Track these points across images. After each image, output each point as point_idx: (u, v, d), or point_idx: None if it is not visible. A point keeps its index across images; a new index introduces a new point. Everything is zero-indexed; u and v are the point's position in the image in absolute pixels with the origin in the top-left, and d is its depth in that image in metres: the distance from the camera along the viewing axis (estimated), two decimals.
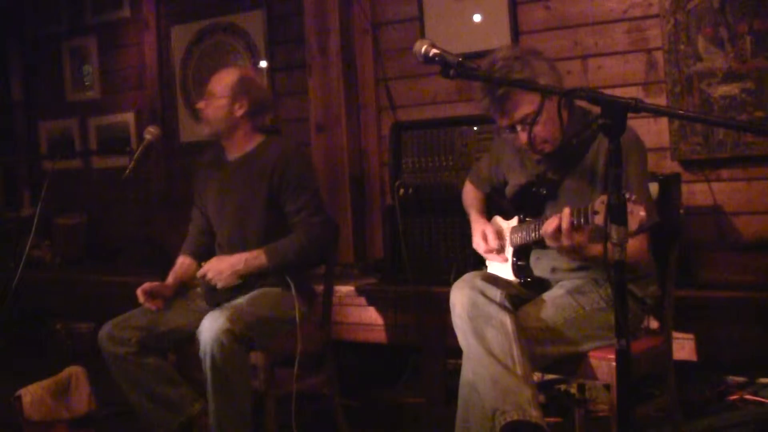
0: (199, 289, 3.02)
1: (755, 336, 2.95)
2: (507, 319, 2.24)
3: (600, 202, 1.97)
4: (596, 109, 1.75)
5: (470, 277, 2.37)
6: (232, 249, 2.97)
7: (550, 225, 2.20)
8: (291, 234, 2.91)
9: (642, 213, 1.87)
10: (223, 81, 2.99)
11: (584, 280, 2.46)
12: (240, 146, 3.02)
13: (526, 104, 2.36)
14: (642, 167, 2.41)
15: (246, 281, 2.89)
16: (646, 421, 2.93)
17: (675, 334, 2.70)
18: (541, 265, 2.54)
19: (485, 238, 2.63)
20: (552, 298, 2.42)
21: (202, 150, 3.32)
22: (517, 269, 2.55)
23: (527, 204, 2.54)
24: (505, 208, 2.68)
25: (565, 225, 2.15)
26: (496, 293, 2.29)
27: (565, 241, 2.16)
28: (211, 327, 2.61)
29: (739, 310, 2.99)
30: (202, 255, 3.10)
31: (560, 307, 2.39)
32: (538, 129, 2.39)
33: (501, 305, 2.27)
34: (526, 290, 2.51)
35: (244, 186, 2.96)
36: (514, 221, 2.59)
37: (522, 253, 2.56)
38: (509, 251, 2.59)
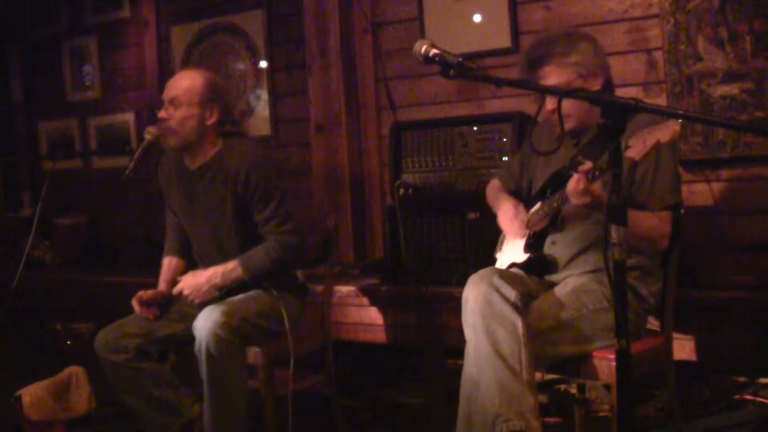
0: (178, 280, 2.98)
1: (755, 336, 2.95)
2: (519, 322, 2.24)
3: (636, 137, 1.91)
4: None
5: (487, 273, 2.35)
6: (210, 259, 2.91)
7: (574, 179, 2.22)
8: (264, 243, 2.83)
9: (675, 125, 1.83)
10: (190, 87, 2.81)
11: (588, 278, 2.46)
12: (202, 154, 2.88)
13: (555, 76, 2.44)
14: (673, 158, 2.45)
15: (224, 294, 2.84)
16: (646, 421, 2.93)
17: (675, 334, 2.70)
18: (555, 250, 2.55)
19: (516, 215, 2.64)
20: (558, 297, 2.43)
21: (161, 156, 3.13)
22: (528, 245, 2.56)
23: (554, 188, 2.53)
24: (531, 202, 2.69)
25: (581, 183, 2.18)
26: (511, 293, 2.27)
27: (587, 197, 2.19)
28: (206, 320, 2.60)
29: (739, 310, 2.99)
30: (185, 252, 3.07)
31: (564, 306, 2.40)
32: (564, 103, 2.42)
33: (514, 306, 2.26)
34: (529, 272, 2.52)
35: (210, 196, 2.86)
36: (536, 206, 2.60)
37: (538, 234, 2.57)
38: (526, 233, 2.60)
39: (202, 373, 2.62)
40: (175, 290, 2.85)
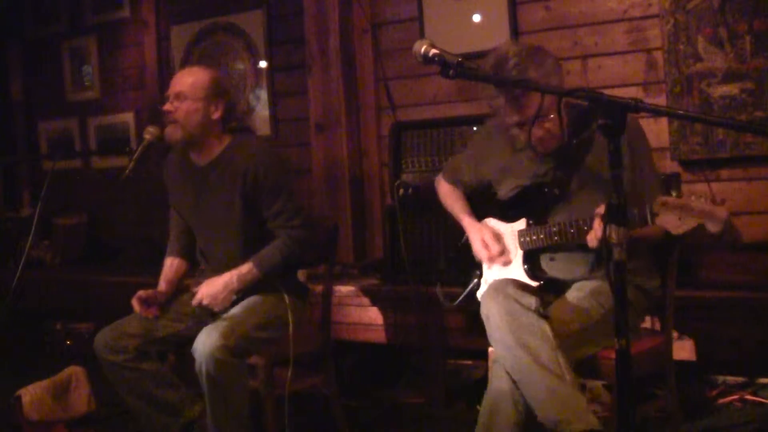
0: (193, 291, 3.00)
1: (755, 336, 2.95)
2: (546, 327, 2.22)
3: (661, 204, 1.88)
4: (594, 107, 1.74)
5: (501, 285, 2.33)
6: (214, 257, 2.94)
7: (595, 238, 2.20)
8: (274, 240, 2.84)
9: (724, 213, 1.80)
10: (196, 82, 2.83)
11: (600, 281, 2.45)
12: (208, 151, 2.88)
13: (537, 100, 2.35)
14: (650, 154, 2.44)
15: (241, 295, 2.86)
16: (646, 421, 2.93)
17: (675, 334, 2.70)
18: (557, 266, 2.52)
19: (486, 246, 2.60)
20: (576, 301, 2.40)
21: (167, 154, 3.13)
22: (531, 273, 2.52)
23: (533, 205, 2.52)
24: (497, 211, 2.65)
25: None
26: (531, 300, 2.26)
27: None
28: (204, 343, 2.58)
29: (739, 310, 2.99)
30: (188, 253, 3.07)
31: (585, 309, 2.37)
32: (549, 125, 2.40)
33: (537, 312, 2.24)
34: (543, 293, 2.49)
35: (218, 193, 2.87)
36: (519, 224, 2.56)
37: (532, 255, 2.53)
38: (519, 254, 2.56)
39: (203, 390, 2.63)
40: (194, 302, 2.82)
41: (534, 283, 2.50)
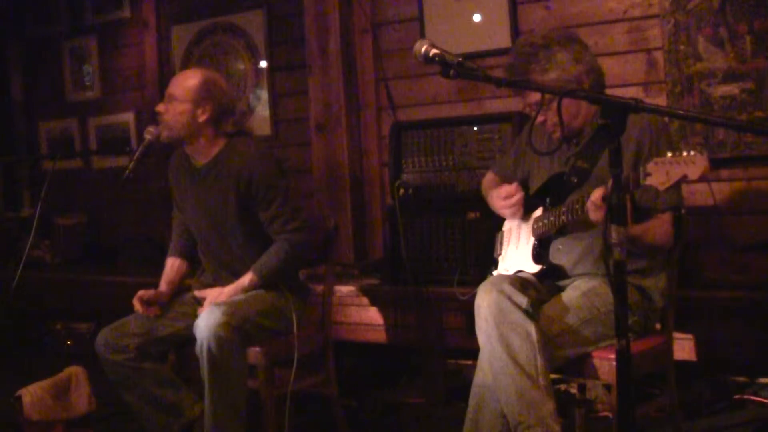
0: (194, 292, 3.00)
1: (755, 336, 2.95)
2: (532, 328, 2.25)
3: (654, 163, 1.90)
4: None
5: (498, 281, 2.36)
6: (216, 258, 2.97)
7: (597, 191, 2.21)
8: (273, 245, 2.87)
9: (705, 161, 1.83)
10: (186, 84, 2.87)
11: (598, 281, 2.46)
12: (205, 152, 2.92)
13: (535, 94, 2.44)
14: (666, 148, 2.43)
15: None
16: (646, 421, 2.93)
17: (675, 334, 2.70)
18: (562, 255, 2.55)
19: (503, 197, 2.64)
20: (568, 300, 2.43)
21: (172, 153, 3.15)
22: (536, 256, 2.56)
23: (554, 193, 2.54)
24: (526, 205, 2.69)
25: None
26: (523, 300, 2.28)
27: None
28: (207, 319, 2.62)
29: (739, 310, 2.99)
30: (189, 254, 3.09)
31: (576, 308, 2.40)
32: (549, 114, 2.46)
33: (526, 312, 2.27)
34: (542, 281, 2.52)
35: (214, 195, 2.90)
36: (537, 212, 2.60)
37: (543, 242, 2.57)
38: (530, 241, 2.60)
39: (203, 373, 2.63)
40: (200, 312, 2.81)
41: (537, 267, 2.53)
